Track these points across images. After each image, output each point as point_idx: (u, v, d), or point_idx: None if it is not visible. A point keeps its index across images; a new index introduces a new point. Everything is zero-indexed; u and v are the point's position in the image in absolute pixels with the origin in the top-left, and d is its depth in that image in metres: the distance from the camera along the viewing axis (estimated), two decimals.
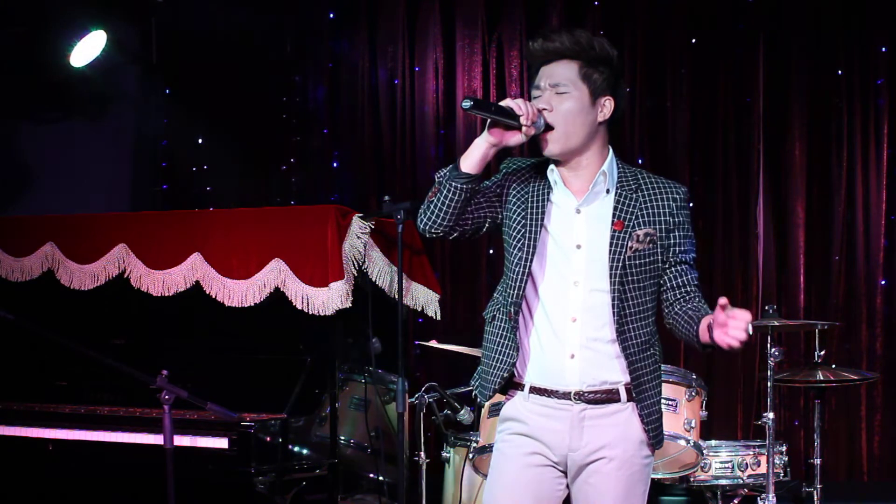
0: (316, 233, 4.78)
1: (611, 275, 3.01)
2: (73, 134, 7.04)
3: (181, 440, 4.36)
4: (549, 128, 3.01)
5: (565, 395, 3.05)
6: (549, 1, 6.93)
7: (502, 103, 2.95)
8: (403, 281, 4.80)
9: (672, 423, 4.89)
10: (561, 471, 3.11)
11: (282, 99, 7.37)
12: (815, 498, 5.10)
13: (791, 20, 6.65)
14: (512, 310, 3.07)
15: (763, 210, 6.65)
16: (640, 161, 6.80)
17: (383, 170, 7.18)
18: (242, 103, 7.30)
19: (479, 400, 3.21)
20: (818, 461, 5.14)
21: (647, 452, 3.12)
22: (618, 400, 3.06)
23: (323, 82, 7.32)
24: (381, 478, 5.06)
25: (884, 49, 6.53)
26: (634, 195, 3.07)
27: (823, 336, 5.33)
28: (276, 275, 4.81)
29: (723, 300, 2.84)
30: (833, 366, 5.72)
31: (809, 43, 6.62)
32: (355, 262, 4.79)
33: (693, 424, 4.93)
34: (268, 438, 4.54)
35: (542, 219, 3.05)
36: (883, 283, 6.50)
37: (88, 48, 6.48)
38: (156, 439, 4.49)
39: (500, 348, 3.11)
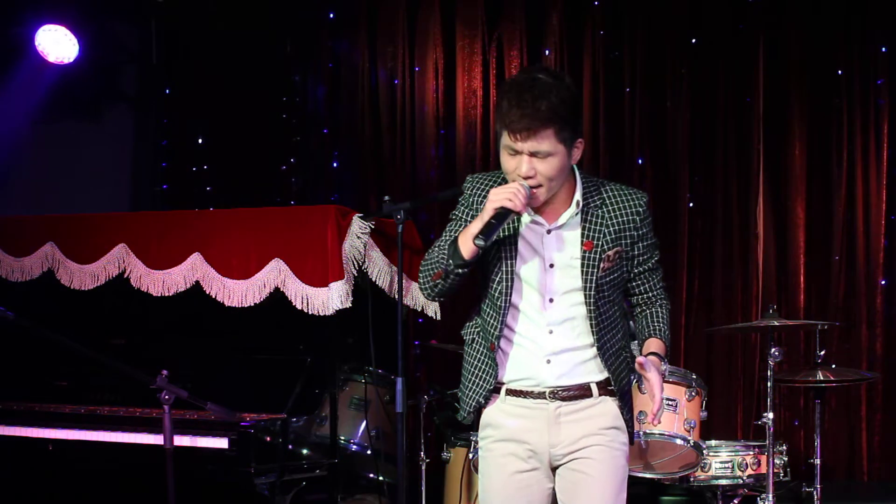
0: (316, 233, 4.77)
1: (585, 294, 3.18)
2: (73, 134, 7.04)
3: (181, 440, 4.36)
4: (534, 193, 3.12)
5: (540, 395, 3.20)
6: (549, 1, 6.93)
7: (496, 206, 3.05)
8: (403, 281, 4.80)
9: (672, 423, 4.90)
10: (545, 468, 3.23)
11: (282, 99, 7.37)
12: (815, 498, 5.10)
13: (791, 20, 6.65)
14: (495, 342, 3.21)
15: (763, 210, 6.64)
16: (639, 161, 6.81)
17: (383, 170, 7.18)
18: (242, 103, 7.30)
19: (460, 418, 3.35)
20: (818, 461, 5.14)
21: (624, 440, 3.27)
22: (590, 395, 3.22)
23: (323, 82, 7.32)
24: (381, 478, 5.06)
25: (884, 49, 6.53)
26: (599, 211, 3.20)
27: (823, 336, 5.33)
28: (276, 275, 4.81)
29: (639, 360, 3.13)
30: (833, 366, 5.73)
31: (809, 43, 6.62)
32: (355, 262, 4.79)
33: (693, 424, 4.94)
34: (268, 438, 4.54)
35: (516, 247, 3.19)
36: (883, 283, 6.50)
37: (55, 42, 6.44)
38: (156, 439, 4.49)
39: (479, 372, 3.26)
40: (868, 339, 6.50)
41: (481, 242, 3.04)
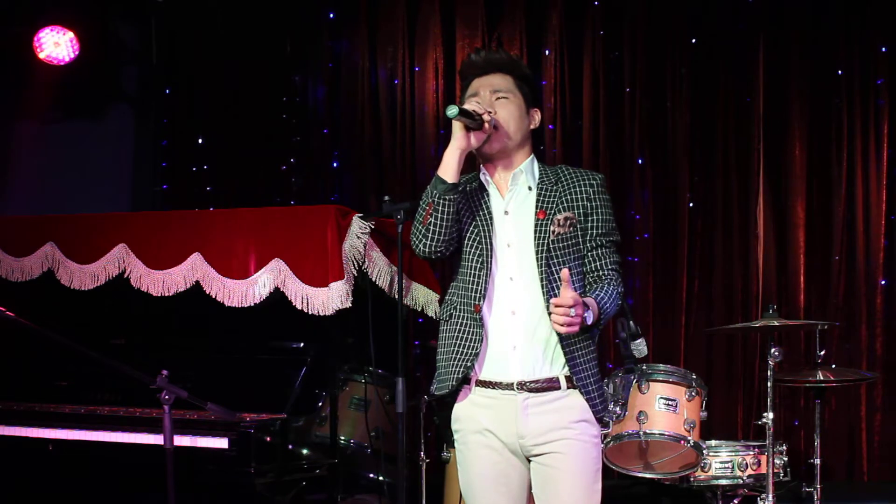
0: (316, 233, 4.77)
1: (538, 260, 3.24)
2: (73, 134, 7.04)
3: (181, 440, 4.36)
4: (493, 129, 3.29)
5: (508, 386, 3.24)
6: (549, 1, 6.93)
7: (465, 107, 3.24)
8: (403, 281, 4.80)
9: (672, 423, 4.90)
10: (520, 457, 3.29)
11: (282, 99, 7.37)
12: (815, 498, 5.10)
13: (791, 20, 6.65)
14: (479, 304, 3.26)
15: (763, 210, 6.64)
16: (639, 161, 6.81)
17: (383, 170, 7.18)
18: (242, 103, 7.31)
19: (435, 390, 3.35)
20: (818, 461, 5.14)
21: (595, 432, 3.29)
22: (558, 388, 3.25)
23: (323, 82, 7.32)
24: (381, 478, 5.06)
25: (884, 49, 6.53)
26: (554, 187, 3.33)
27: (823, 336, 5.33)
28: (276, 275, 4.81)
29: (564, 272, 3.11)
30: (833, 366, 5.73)
31: (809, 43, 6.62)
32: (355, 262, 4.79)
33: (693, 424, 4.94)
34: (268, 438, 4.54)
35: (491, 225, 3.30)
36: (883, 283, 6.50)
37: (55, 44, 6.45)
38: (156, 439, 4.49)
39: (463, 339, 3.28)
40: (868, 339, 6.50)
41: (454, 110, 3.14)
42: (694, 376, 5.03)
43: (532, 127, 3.38)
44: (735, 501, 5.31)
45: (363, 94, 7.20)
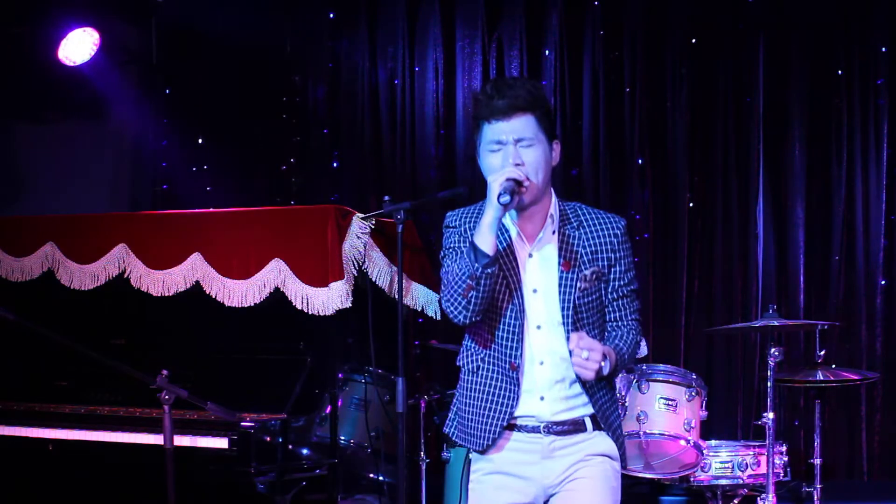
0: (316, 233, 4.77)
1: (563, 315, 3.11)
2: (72, 134, 7.05)
3: (181, 440, 4.36)
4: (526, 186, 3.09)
5: (534, 430, 3.14)
6: (549, 1, 6.93)
7: (500, 180, 3.01)
8: (403, 281, 4.80)
9: (672, 423, 4.90)
10: (538, 500, 3.18)
11: (282, 99, 7.37)
12: (815, 498, 5.10)
13: (791, 20, 6.65)
14: (518, 361, 3.11)
15: (763, 210, 6.65)
16: (639, 161, 6.81)
17: (383, 170, 7.18)
18: (242, 103, 7.30)
19: (472, 448, 3.21)
20: (818, 461, 5.14)
21: (617, 466, 3.21)
22: (584, 430, 3.16)
23: (323, 82, 7.32)
24: (381, 478, 5.06)
25: (884, 49, 6.53)
26: (576, 232, 3.17)
27: (823, 336, 5.34)
28: (276, 275, 4.81)
29: (573, 337, 3.00)
30: (833, 366, 5.73)
31: (809, 43, 6.62)
32: (355, 262, 4.79)
33: (693, 424, 4.94)
34: (268, 438, 4.54)
35: (518, 271, 3.13)
36: (883, 283, 6.50)
37: (78, 45, 6.47)
38: (156, 439, 4.48)
39: (497, 396, 3.15)
40: (868, 339, 6.50)
41: (507, 198, 2.96)
42: (694, 376, 5.04)
43: (554, 165, 3.17)
44: (735, 501, 5.31)
45: (363, 94, 7.21)
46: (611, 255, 3.17)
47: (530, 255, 3.15)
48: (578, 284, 3.12)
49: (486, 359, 3.17)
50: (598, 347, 3.00)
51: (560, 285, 3.12)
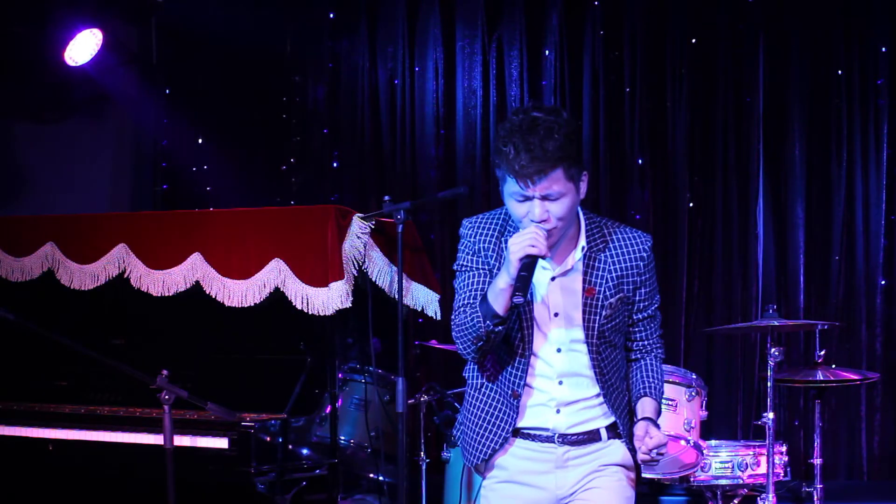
0: (316, 233, 4.77)
1: (588, 342, 3.08)
2: (73, 134, 7.04)
3: (181, 440, 4.36)
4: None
5: (549, 439, 3.12)
6: (549, 1, 6.93)
7: (520, 255, 2.91)
8: (403, 281, 4.80)
9: (672, 423, 4.90)
10: None
11: (282, 99, 7.37)
12: (815, 498, 5.10)
13: (791, 20, 6.65)
14: (519, 390, 3.10)
15: (763, 210, 6.65)
16: (639, 161, 6.81)
17: (383, 170, 7.19)
18: (242, 103, 7.30)
19: (465, 462, 3.24)
20: (818, 461, 5.14)
21: (633, 476, 3.19)
22: (599, 439, 3.14)
23: (323, 82, 7.32)
24: (381, 478, 5.06)
25: (884, 49, 6.54)
26: (602, 255, 3.09)
27: (823, 336, 5.34)
28: (276, 275, 4.81)
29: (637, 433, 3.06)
30: (833, 366, 5.73)
31: (809, 43, 6.63)
32: (355, 262, 4.79)
33: (693, 424, 4.94)
34: (268, 438, 4.54)
35: (535, 291, 3.07)
36: (883, 283, 6.50)
37: (84, 46, 6.48)
38: (156, 439, 4.48)
39: (494, 419, 3.14)
40: (868, 339, 6.51)
41: (521, 300, 2.88)
42: (694, 376, 5.03)
43: (582, 198, 3.03)
44: (735, 501, 5.31)
45: (363, 94, 7.21)
46: (636, 278, 3.11)
47: (552, 279, 3.08)
48: (603, 312, 3.07)
49: (491, 379, 3.16)
50: (664, 440, 3.04)
51: (584, 311, 3.07)
